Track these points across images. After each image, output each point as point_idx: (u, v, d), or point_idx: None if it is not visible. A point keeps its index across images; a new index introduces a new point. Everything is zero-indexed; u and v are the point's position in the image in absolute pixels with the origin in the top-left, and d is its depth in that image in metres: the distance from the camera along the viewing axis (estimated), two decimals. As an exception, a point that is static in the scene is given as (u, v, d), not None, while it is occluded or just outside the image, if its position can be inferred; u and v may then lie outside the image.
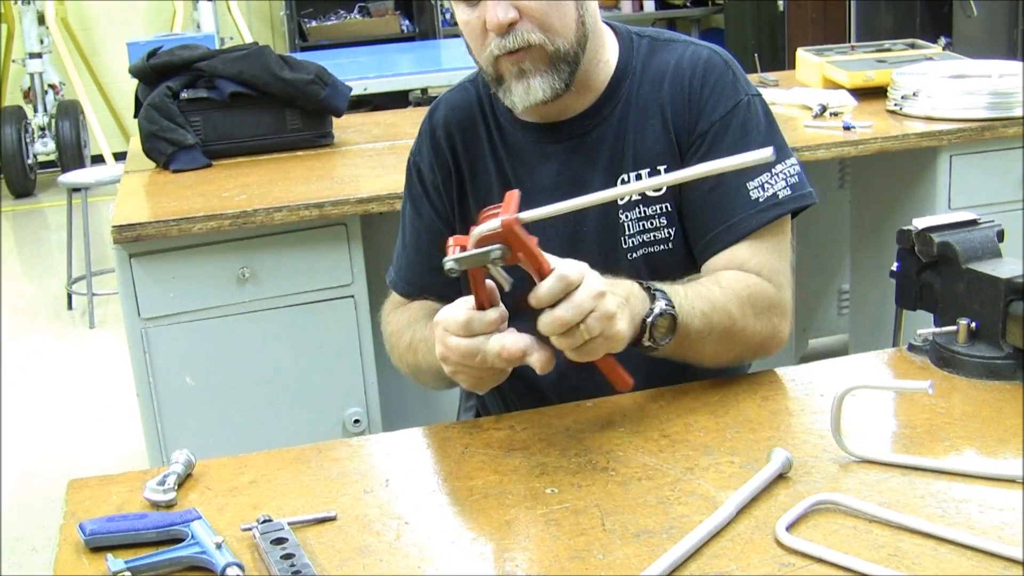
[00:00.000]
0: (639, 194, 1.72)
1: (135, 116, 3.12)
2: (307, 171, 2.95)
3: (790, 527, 1.20)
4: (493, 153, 1.78)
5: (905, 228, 1.66)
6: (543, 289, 1.33)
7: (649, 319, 1.47)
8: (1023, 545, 1.13)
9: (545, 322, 1.34)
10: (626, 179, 1.72)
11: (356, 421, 2.79)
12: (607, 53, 1.75)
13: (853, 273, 3.62)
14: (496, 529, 1.25)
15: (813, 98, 3.24)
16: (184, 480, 1.38)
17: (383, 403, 2.86)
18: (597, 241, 1.73)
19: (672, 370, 1.60)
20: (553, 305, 1.33)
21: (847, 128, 3.04)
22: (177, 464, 1.38)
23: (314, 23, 8.44)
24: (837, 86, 3.46)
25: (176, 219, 2.55)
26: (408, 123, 3.52)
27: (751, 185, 1.67)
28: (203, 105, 3.08)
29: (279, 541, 1.20)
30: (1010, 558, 1.12)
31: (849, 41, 6.87)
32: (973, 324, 1.57)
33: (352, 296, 2.73)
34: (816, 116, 3.15)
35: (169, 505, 1.32)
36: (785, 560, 1.15)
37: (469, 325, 1.38)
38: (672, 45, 1.77)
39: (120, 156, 5.83)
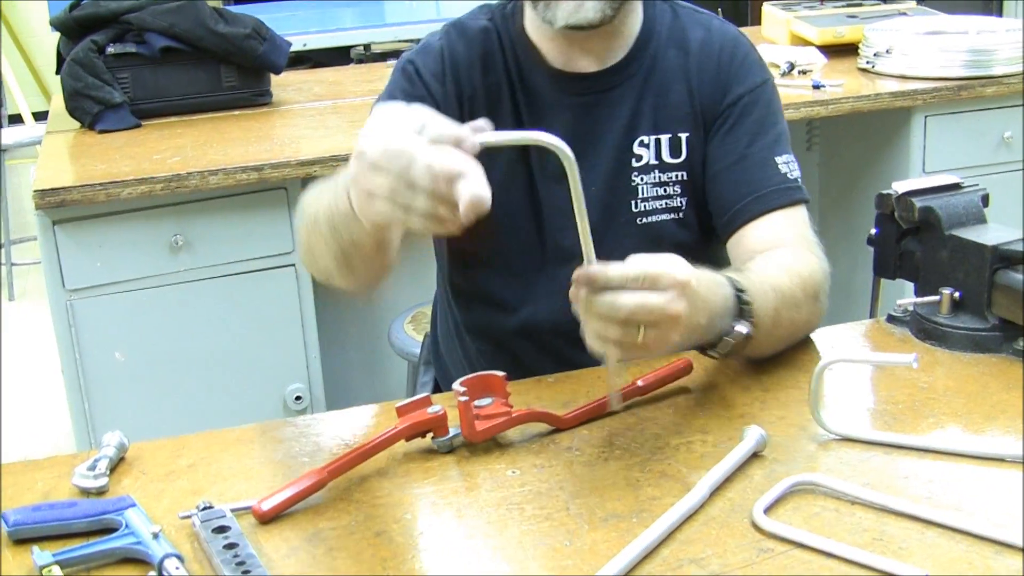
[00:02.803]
0: (656, 159, 1.73)
1: (57, 73, 3.06)
2: (244, 132, 2.90)
3: (768, 510, 1.18)
4: (512, 94, 1.75)
5: (885, 192, 1.65)
6: (620, 268, 1.24)
7: (727, 336, 1.42)
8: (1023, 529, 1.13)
9: (605, 302, 1.24)
10: (644, 141, 1.73)
11: (298, 398, 2.77)
12: (638, 6, 1.76)
13: (821, 239, 3.61)
14: (454, 514, 1.23)
15: (780, 56, 3.23)
16: (116, 465, 1.35)
17: (326, 379, 2.83)
18: (604, 202, 1.72)
19: None
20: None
21: (816, 87, 3.04)
22: (108, 447, 1.35)
23: (249, -26, 8.34)
24: (806, 43, 3.45)
25: (103, 183, 2.51)
26: (351, 81, 3.48)
27: (779, 160, 1.71)
28: (131, 61, 3.02)
29: (221, 529, 1.17)
30: (1000, 541, 1.12)
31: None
32: (957, 294, 1.56)
33: (293, 265, 2.70)
34: (784, 75, 3.14)
35: (100, 492, 1.29)
36: (763, 545, 1.14)
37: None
38: (696, 15, 1.80)
39: (41, 116, 5.74)
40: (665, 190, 1.75)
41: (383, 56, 4.93)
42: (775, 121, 1.75)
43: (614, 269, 1.24)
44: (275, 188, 2.64)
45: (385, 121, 1.20)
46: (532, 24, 1.74)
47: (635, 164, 1.74)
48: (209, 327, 2.69)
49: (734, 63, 1.76)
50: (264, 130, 2.93)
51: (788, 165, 1.72)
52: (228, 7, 3.25)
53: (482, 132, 1.20)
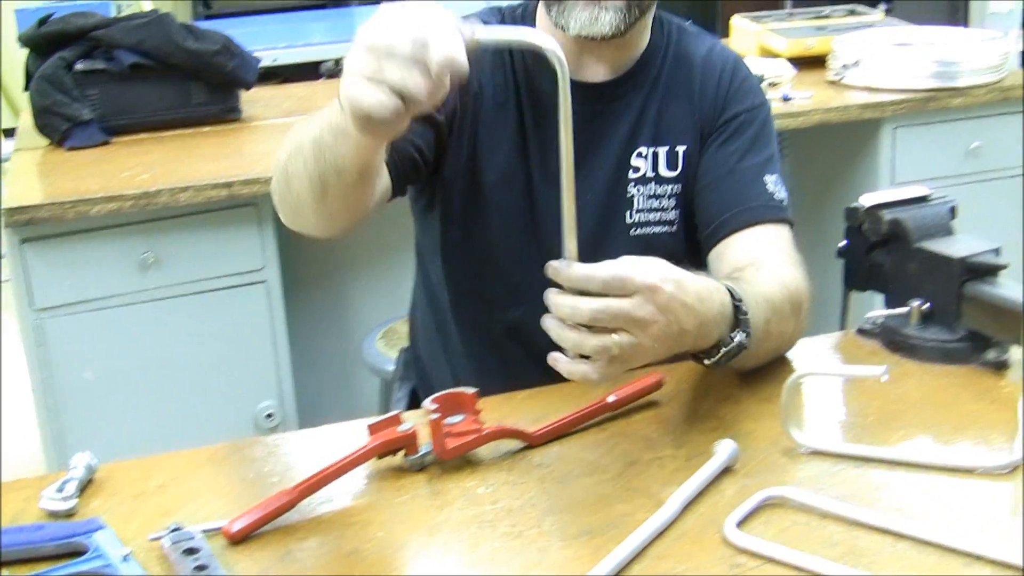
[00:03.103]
0: (653, 171, 1.76)
1: (25, 89, 3.05)
2: (214, 148, 2.89)
3: (740, 524, 1.19)
4: (517, 97, 1.76)
5: (853, 205, 1.66)
6: (587, 268, 1.23)
7: (724, 346, 1.40)
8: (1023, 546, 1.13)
9: (566, 303, 1.23)
10: (643, 152, 1.76)
11: (269, 415, 2.75)
12: (648, 22, 1.78)
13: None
14: (425, 532, 1.22)
15: (750, 68, 3.24)
16: (86, 486, 1.34)
17: (298, 395, 2.83)
18: (598, 211, 1.73)
19: None
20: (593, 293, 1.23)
21: (786, 99, 3.06)
22: (77, 468, 1.34)
23: (218, -11, 8.32)
24: (775, 55, 3.47)
25: (72, 200, 2.50)
26: (321, 96, 3.47)
27: (769, 179, 1.73)
28: (100, 77, 3.00)
29: (191, 551, 1.16)
30: (972, 553, 1.12)
31: (786, 6, 6.91)
32: (926, 306, 1.57)
33: (264, 281, 2.69)
34: (754, 86, 3.15)
35: (69, 514, 1.28)
36: (735, 560, 1.14)
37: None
38: (700, 37, 1.85)
39: (9, 133, 5.71)
40: (660, 202, 1.77)
41: (354, 71, 4.92)
42: (768, 143, 1.79)
43: (580, 268, 1.22)
44: (245, 204, 2.63)
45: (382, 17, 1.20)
46: (542, 28, 1.75)
47: (632, 175, 1.77)
48: (180, 344, 2.68)
49: (734, 82, 1.80)
50: (234, 146, 2.93)
51: (777, 186, 1.74)
52: (198, 22, 3.25)
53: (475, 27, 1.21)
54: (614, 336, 1.23)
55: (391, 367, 2.60)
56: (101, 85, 3.00)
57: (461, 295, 1.85)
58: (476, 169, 1.75)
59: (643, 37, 1.78)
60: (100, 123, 2.98)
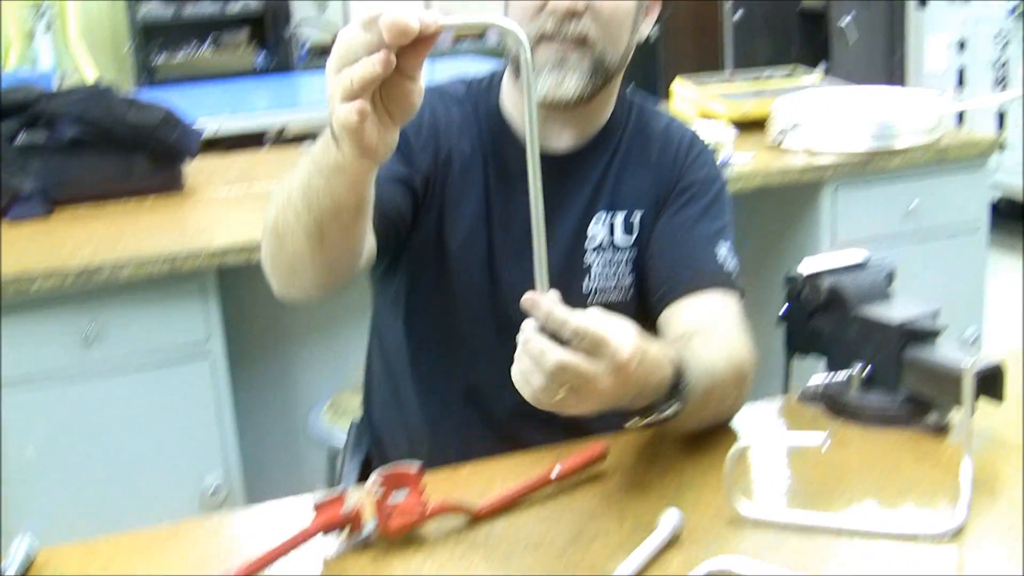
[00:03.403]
0: (609, 237, 1.79)
1: (-34, 163, 3.03)
2: (157, 220, 2.89)
3: (685, 597, 1.18)
4: (484, 164, 1.79)
5: (792, 273, 1.67)
6: (566, 316, 1.23)
7: (654, 415, 1.41)
8: None
9: (537, 348, 1.23)
10: (600, 217, 1.79)
11: (213, 494, 2.72)
12: (612, 94, 1.82)
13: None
14: (371, 612, 1.22)
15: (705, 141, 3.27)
16: (25, 573, 1.32)
17: (245, 468, 2.80)
18: (556, 278, 1.73)
19: (569, 425, 1.61)
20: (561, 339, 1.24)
21: (726, 163, 3.08)
22: (17, 553, 1.32)
23: (162, 58, 8.32)
24: (715, 118, 3.50)
25: (12, 276, 2.47)
26: (264, 165, 3.48)
27: (720, 249, 1.75)
28: (42, 150, 2.99)
29: (132, 637, 1.15)
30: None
31: (725, 69, 7.00)
32: (866, 371, 1.58)
33: (208, 355, 2.67)
34: (695, 150, 3.17)
35: (8, 602, 1.26)
36: (682, 634, 1.14)
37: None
38: (659, 114, 1.90)
39: (-49, 205, 5.66)
40: (616, 269, 1.79)
41: (298, 139, 4.93)
42: (721, 214, 1.81)
43: (558, 311, 1.23)
44: (189, 277, 2.62)
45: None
46: (510, 100, 1.80)
47: (589, 244, 1.79)
48: (124, 419, 2.66)
49: (691, 154, 1.84)
50: (177, 218, 2.92)
51: (728, 256, 1.76)
52: (140, 91, 3.24)
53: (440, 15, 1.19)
54: (563, 388, 1.24)
55: (338, 439, 2.59)
56: (42, 158, 2.99)
57: (421, 358, 1.85)
58: (443, 233, 1.77)
59: (607, 108, 1.82)
60: (41, 195, 2.96)
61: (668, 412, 1.40)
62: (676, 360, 1.41)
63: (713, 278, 1.73)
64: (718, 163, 1.90)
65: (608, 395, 1.27)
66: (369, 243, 1.56)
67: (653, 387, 1.37)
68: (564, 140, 1.79)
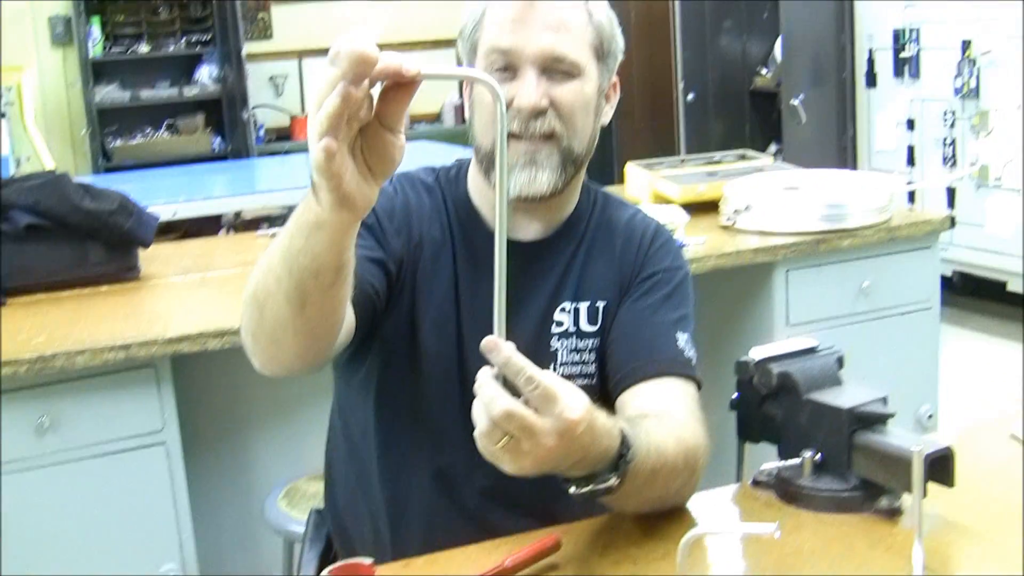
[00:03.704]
0: (575, 325, 1.81)
1: (-82, 251, 3.02)
2: (112, 308, 2.88)
3: None
4: (452, 251, 1.82)
5: (743, 359, 1.69)
6: (522, 364, 1.27)
7: (593, 485, 1.42)
8: None
9: (488, 394, 1.27)
10: (565, 308, 1.82)
11: (169, 584, 2.70)
12: (578, 185, 1.86)
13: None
14: None
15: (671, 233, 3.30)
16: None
17: (200, 557, 2.77)
18: None
19: (535, 511, 1.62)
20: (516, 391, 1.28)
21: (679, 246, 3.09)
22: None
23: (118, 142, 8.33)
24: (668, 201, 3.53)
25: (-35, 367, 2.46)
26: (220, 252, 3.48)
27: (680, 337, 1.78)
28: (-4, 237, 2.99)
29: None
30: None
31: (679, 151, 7.08)
32: (818, 456, 1.60)
33: (163, 443, 2.65)
34: (648, 233, 3.20)
35: None
36: None
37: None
38: (624, 206, 1.94)
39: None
40: (581, 356, 1.82)
41: (255, 223, 4.94)
42: (682, 303, 1.84)
43: (516, 359, 1.26)
44: (143, 366, 2.60)
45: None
46: (476, 190, 1.84)
47: (555, 330, 1.82)
48: (79, 509, 2.63)
49: (654, 244, 1.87)
50: (132, 306, 2.91)
51: (687, 344, 1.78)
52: (96, 176, 3.25)
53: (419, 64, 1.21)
54: (505, 437, 1.27)
55: (294, 527, 2.58)
56: (-4, 245, 2.98)
57: (390, 441, 1.86)
58: (415, 316, 1.79)
59: (572, 199, 1.86)
60: (-4, 285, 2.95)
61: (607, 484, 1.42)
62: (624, 434, 1.43)
63: (671, 365, 1.74)
64: (682, 253, 1.94)
65: (550, 455, 1.29)
66: (348, 318, 1.57)
67: (597, 456, 1.39)
68: (532, 230, 1.83)
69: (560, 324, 1.82)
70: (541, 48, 1.69)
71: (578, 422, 1.29)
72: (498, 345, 1.26)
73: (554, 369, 1.80)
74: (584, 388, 1.75)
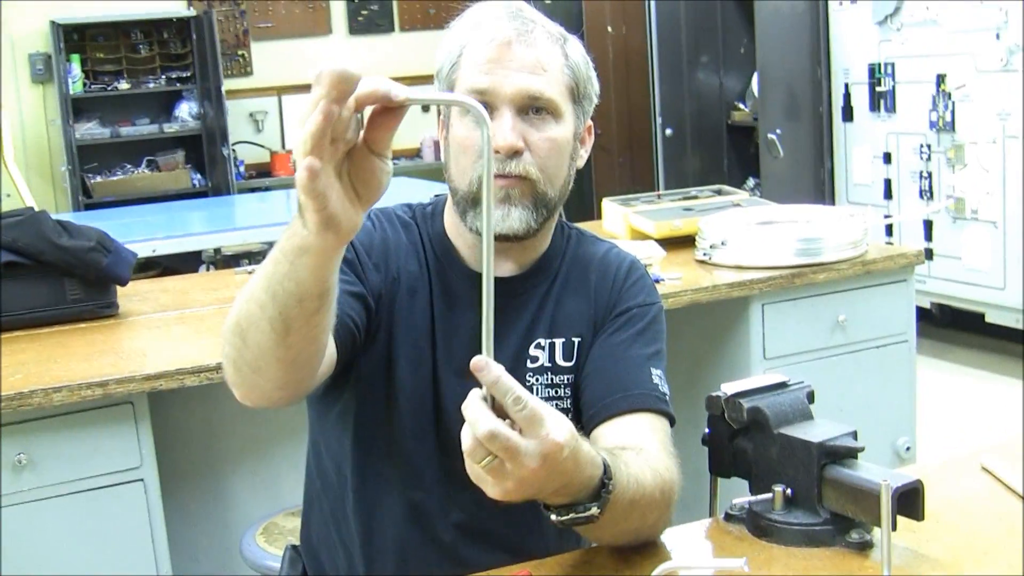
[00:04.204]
0: (550, 360, 1.83)
1: None
2: (89, 346, 2.88)
3: None
4: (429, 286, 1.84)
5: (714, 394, 1.70)
6: (510, 385, 1.29)
7: (575, 513, 1.44)
8: None
9: (473, 414, 1.28)
10: (541, 344, 1.84)
11: (148, 618, 2.69)
12: (552, 224, 1.88)
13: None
14: None
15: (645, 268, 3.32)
16: None
17: (178, 593, 2.77)
18: None
19: (510, 546, 1.63)
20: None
21: (656, 281, 3.10)
22: None
23: (99, 178, 8.33)
24: (644, 236, 3.54)
25: (-58, 406, 2.45)
26: (198, 289, 3.48)
27: (654, 372, 1.79)
28: (-27, 276, 2.99)
29: None
30: None
31: (658, 185, 7.11)
32: (788, 491, 1.61)
33: (141, 480, 2.65)
34: (625, 268, 3.21)
35: None
36: None
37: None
38: (598, 242, 1.97)
39: None
40: (556, 391, 1.84)
41: (235, 259, 4.95)
42: (656, 339, 1.86)
43: (505, 380, 1.28)
44: (121, 403, 2.60)
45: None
46: (452, 227, 1.87)
47: (531, 365, 1.84)
48: (56, 547, 2.62)
49: (628, 280, 1.89)
50: (109, 343, 2.91)
51: (661, 380, 1.79)
52: (76, 213, 3.25)
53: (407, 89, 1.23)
54: (488, 457, 1.29)
55: (271, 562, 2.58)
56: (-26, 284, 2.99)
57: (366, 474, 1.86)
58: (392, 350, 1.81)
59: (546, 238, 1.88)
60: (-28, 322, 2.95)
61: (589, 512, 1.43)
62: (605, 464, 1.44)
63: (645, 400, 1.76)
64: (656, 289, 1.95)
65: (533, 477, 1.30)
66: (328, 350, 1.58)
67: (579, 484, 1.41)
68: (506, 268, 1.85)
69: (535, 360, 1.84)
70: (518, 88, 1.72)
71: (562, 446, 1.30)
72: (488, 364, 1.28)
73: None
74: None
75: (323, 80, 1.17)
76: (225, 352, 1.52)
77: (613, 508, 1.45)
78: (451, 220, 1.87)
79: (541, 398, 1.79)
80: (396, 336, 1.81)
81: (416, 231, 1.89)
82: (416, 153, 9.08)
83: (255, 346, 1.45)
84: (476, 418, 1.28)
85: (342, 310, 1.64)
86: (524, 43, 1.74)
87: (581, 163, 1.87)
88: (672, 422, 1.77)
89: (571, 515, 1.43)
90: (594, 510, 1.43)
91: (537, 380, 1.83)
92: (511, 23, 1.75)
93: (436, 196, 1.94)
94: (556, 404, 1.82)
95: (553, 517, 1.45)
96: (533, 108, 1.74)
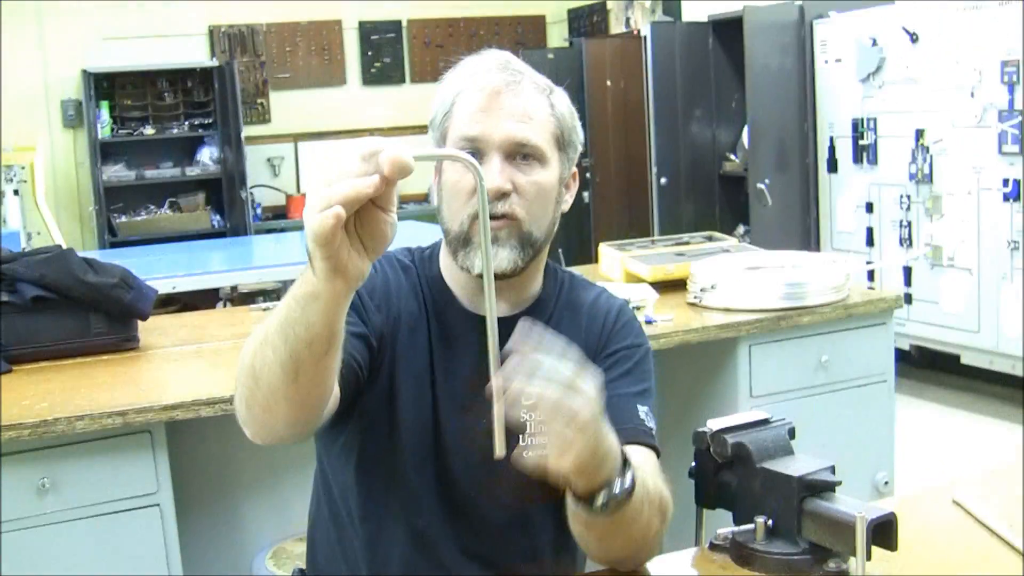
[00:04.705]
0: None
1: (-70, 322, 3.03)
2: (111, 377, 2.89)
3: None
4: (427, 327, 1.85)
5: (700, 430, 1.71)
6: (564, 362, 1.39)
7: (612, 488, 1.51)
8: None
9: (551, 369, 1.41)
10: None
11: (163, 642, 2.69)
12: (540, 267, 1.89)
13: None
14: None
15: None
16: None
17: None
18: (492, 435, 1.77)
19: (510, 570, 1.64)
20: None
21: (649, 322, 3.12)
22: None
23: (124, 218, 8.37)
24: (639, 280, 3.56)
25: (-29, 431, 2.46)
26: (215, 325, 3.49)
27: (640, 409, 1.80)
28: (4, 309, 2.99)
29: None
30: None
31: (653, 231, 7.13)
32: (769, 521, 1.61)
33: (158, 504, 2.65)
34: (620, 309, 3.22)
35: None
36: None
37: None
38: (590, 286, 1.98)
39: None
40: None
41: (251, 296, 4.96)
42: (644, 378, 1.86)
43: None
44: (140, 431, 2.61)
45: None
46: (447, 270, 1.88)
47: (525, 401, 1.81)
48: (76, 567, 2.61)
49: (617, 324, 1.90)
50: (130, 375, 2.92)
51: (647, 415, 1.80)
52: (102, 251, 3.27)
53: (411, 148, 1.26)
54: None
55: (280, 585, 2.58)
56: (4, 316, 2.99)
57: (370, 504, 1.86)
58: (394, 386, 1.81)
59: (535, 279, 1.89)
60: (2, 353, 2.96)
61: (624, 487, 1.50)
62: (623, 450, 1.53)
63: (633, 434, 1.75)
64: (644, 331, 1.95)
65: (592, 423, 1.43)
66: (335, 391, 1.59)
67: (612, 454, 1.49)
68: (500, 308, 1.83)
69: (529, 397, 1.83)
70: (506, 135, 1.73)
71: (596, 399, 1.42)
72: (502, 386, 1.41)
73: (522, 439, 1.81)
74: None
75: (384, 162, 1.22)
76: (239, 393, 1.54)
77: (631, 503, 1.50)
78: (446, 262, 1.88)
79: (535, 433, 1.80)
80: (398, 373, 1.82)
81: (415, 273, 1.90)
82: (424, 198, 9.10)
83: (267, 386, 1.46)
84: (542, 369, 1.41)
85: (346, 350, 1.65)
86: (512, 93, 1.75)
87: (566, 207, 1.88)
88: (658, 455, 1.77)
89: (610, 491, 1.50)
90: (628, 477, 1.50)
91: (530, 416, 1.82)
92: (500, 74, 1.77)
93: (436, 241, 1.95)
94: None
95: (598, 501, 1.51)
96: (520, 154, 1.75)
